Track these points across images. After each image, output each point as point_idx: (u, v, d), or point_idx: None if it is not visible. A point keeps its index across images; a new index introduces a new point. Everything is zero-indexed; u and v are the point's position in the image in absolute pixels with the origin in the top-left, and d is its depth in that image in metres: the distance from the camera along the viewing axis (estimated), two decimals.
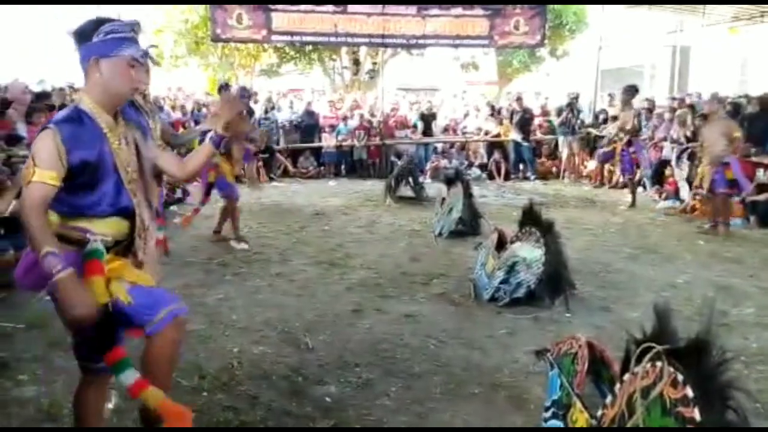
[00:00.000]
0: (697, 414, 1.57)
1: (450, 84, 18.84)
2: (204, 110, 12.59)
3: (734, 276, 5.16)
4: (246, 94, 4.57)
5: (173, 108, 12.03)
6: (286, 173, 11.78)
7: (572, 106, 11.63)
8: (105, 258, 2.04)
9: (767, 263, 5.60)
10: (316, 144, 12.20)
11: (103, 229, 2.06)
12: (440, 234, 6.51)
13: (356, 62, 17.15)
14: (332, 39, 12.10)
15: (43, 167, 1.90)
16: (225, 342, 3.67)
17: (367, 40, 12.31)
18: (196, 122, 11.50)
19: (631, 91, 8.57)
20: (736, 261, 5.66)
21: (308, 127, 12.37)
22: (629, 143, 8.44)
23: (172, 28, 16.17)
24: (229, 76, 18.35)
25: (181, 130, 10.78)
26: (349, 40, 12.51)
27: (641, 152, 8.65)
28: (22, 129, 6.61)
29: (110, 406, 2.86)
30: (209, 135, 2.37)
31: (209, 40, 13.39)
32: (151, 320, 2.03)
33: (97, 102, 2.02)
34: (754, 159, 7.69)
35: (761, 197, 7.36)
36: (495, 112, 12.60)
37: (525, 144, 11.84)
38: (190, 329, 3.84)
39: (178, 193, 8.38)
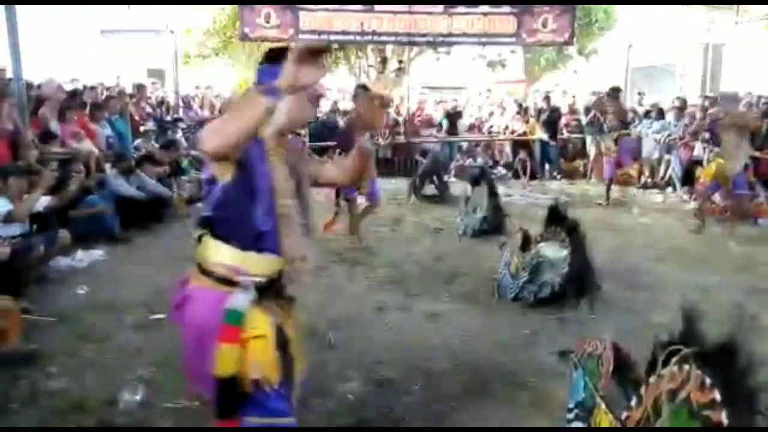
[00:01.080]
0: (724, 418, 1.55)
1: (476, 82, 18.74)
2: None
3: (765, 279, 5.03)
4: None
5: (201, 107, 12.21)
6: None
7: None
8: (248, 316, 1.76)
9: None
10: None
11: (255, 269, 1.80)
12: (464, 233, 6.49)
13: (383, 60, 17.15)
14: (359, 37, 12.13)
15: None
16: None
17: (393, 38, 12.30)
18: None
19: (614, 92, 8.79)
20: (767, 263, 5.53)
21: (334, 125, 12.41)
22: (615, 142, 8.50)
23: (201, 28, 16.38)
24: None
25: None
26: (376, 38, 12.51)
27: (625, 153, 8.68)
28: (55, 126, 6.76)
29: (137, 398, 2.92)
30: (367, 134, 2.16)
31: (237, 39, 13.52)
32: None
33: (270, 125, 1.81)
34: None
35: None
36: (522, 111, 12.50)
37: (552, 143, 11.71)
38: None
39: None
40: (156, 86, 12.73)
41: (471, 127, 12.83)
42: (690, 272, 5.23)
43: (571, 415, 2.41)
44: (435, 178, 9.27)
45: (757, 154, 7.91)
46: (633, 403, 1.97)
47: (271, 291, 1.84)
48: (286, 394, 1.87)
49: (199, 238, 1.85)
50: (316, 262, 1.96)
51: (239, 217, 1.77)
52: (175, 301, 1.88)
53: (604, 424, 2.12)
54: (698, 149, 9.05)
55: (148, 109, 10.16)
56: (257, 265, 1.80)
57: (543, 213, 4.99)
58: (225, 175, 1.73)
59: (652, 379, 1.87)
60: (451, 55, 17.43)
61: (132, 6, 14.61)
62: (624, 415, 2.00)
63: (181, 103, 12.25)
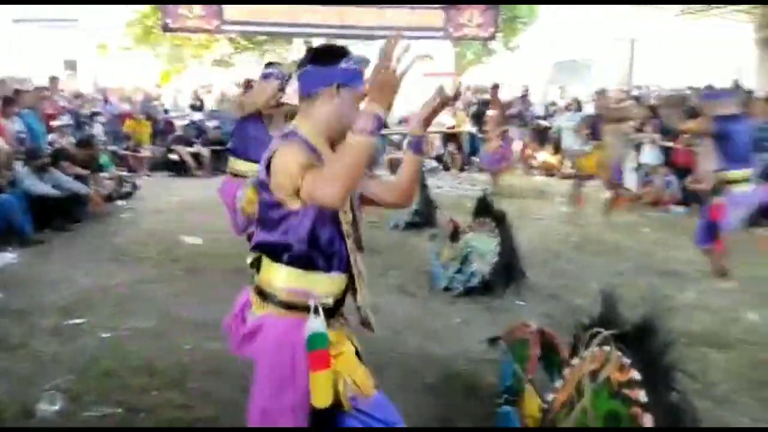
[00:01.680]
0: (642, 395, 1.63)
1: (406, 75, 18.87)
2: (155, 102, 12.27)
3: (677, 263, 5.35)
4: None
5: (121, 100, 11.68)
6: None
7: (524, 97, 11.83)
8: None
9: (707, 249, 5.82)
10: None
11: (325, 290, 1.74)
12: (396, 226, 6.52)
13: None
14: (287, 29, 11.93)
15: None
16: (177, 339, 3.59)
17: (323, 30, 12.19)
18: (147, 115, 11.22)
19: (493, 90, 9.48)
20: (678, 248, 5.87)
21: None
22: (502, 137, 9.02)
23: (121, 18, 15.64)
24: (178, 67, 17.90)
25: (128, 122, 10.53)
26: (305, 30, 12.35)
27: (508, 146, 9.26)
28: None
29: (55, 408, 2.77)
30: (406, 141, 1.98)
31: (159, 30, 12.99)
32: None
33: (317, 132, 1.73)
34: (696, 149, 7.96)
35: (702, 186, 7.64)
36: (450, 104, 12.68)
37: (480, 135, 11.97)
38: (140, 327, 3.76)
39: (127, 187, 8.13)
40: (72, 78, 12.06)
41: (401, 120, 12.91)
42: (607, 258, 5.48)
43: (500, 400, 2.48)
44: (366, 172, 9.25)
45: (669, 144, 8.40)
46: (558, 384, 2.04)
47: (337, 310, 1.81)
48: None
49: (255, 263, 1.78)
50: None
51: (311, 240, 1.70)
52: (242, 332, 1.78)
53: (532, 408, 2.19)
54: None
55: (63, 103, 9.61)
56: (327, 285, 1.75)
57: (472, 204, 5.10)
58: (296, 200, 1.65)
59: (575, 361, 1.95)
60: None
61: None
62: (550, 397, 2.07)
63: (99, 96, 11.67)
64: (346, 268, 1.77)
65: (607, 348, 1.79)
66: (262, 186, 1.71)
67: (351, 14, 11.36)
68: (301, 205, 1.65)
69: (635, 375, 1.67)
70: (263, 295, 1.75)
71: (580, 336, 1.94)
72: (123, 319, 3.90)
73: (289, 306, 1.71)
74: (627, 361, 1.72)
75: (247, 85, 8.91)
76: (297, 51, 17.56)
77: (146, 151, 10.35)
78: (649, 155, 8.72)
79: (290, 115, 3.86)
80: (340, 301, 1.81)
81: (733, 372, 3.16)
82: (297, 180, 1.60)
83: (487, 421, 2.59)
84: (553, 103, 12.71)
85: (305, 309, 1.69)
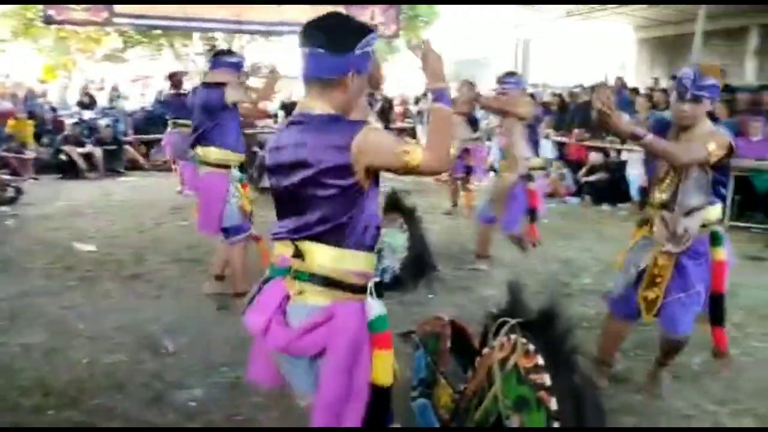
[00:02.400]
0: (547, 379, 1.70)
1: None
2: (39, 100, 11.40)
3: (573, 250, 5.69)
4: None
5: (2, 96, 10.74)
6: (136, 166, 10.99)
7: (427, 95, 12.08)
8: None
9: (600, 237, 6.24)
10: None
11: (372, 269, 1.75)
12: None
13: (212, 48, 16.41)
14: (183, 23, 11.47)
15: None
16: (72, 353, 3.36)
17: (221, 25, 11.82)
18: (31, 113, 10.39)
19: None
20: (574, 236, 6.24)
21: (161, 116, 11.65)
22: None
23: None
24: (65, 61, 16.73)
25: (9, 121, 9.69)
26: (202, 25, 11.92)
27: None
28: None
29: None
30: (429, 96, 1.86)
31: (41, 22, 12.06)
32: None
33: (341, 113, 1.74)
34: (587, 143, 8.50)
35: (593, 177, 8.18)
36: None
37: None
38: (30, 343, 3.48)
39: (10, 192, 7.50)
40: None
41: None
42: (510, 247, 5.71)
43: (415, 393, 2.52)
44: None
45: (563, 140, 8.89)
46: (469, 374, 2.10)
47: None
48: None
49: (298, 251, 1.69)
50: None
51: (370, 219, 1.72)
52: (302, 326, 1.65)
53: (445, 399, 2.24)
54: None
55: None
56: (373, 265, 1.77)
57: (381, 200, 5.13)
58: (368, 181, 1.66)
59: (484, 351, 2.01)
60: (283, 44, 17.19)
61: None
62: (462, 387, 2.13)
63: None
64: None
65: (514, 336, 1.86)
66: (333, 172, 1.61)
67: (249, 9, 11.10)
68: (368, 185, 1.67)
69: (540, 360, 1.75)
70: (326, 282, 1.68)
71: (488, 326, 2.01)
72: (11, 335, 3.60)
73: (355, 289, 1.70)
74: (532, 347, 1.79)
75: (173, 78, 8.48)
76: (199, 46, 16.96)
77: (31, 153, 9.59)
78: (544, 149, 9.18)
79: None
80: None
81: (627, 352, 3.38)
82: (400, 156, 1.60)
83: (403, 414, 2.62)
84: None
85: (364, 290, 1.70)
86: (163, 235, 6.14)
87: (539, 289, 4.28)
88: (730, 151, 2.61)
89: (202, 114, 3.84)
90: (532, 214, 4.72)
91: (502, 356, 1.88)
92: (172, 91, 8.31)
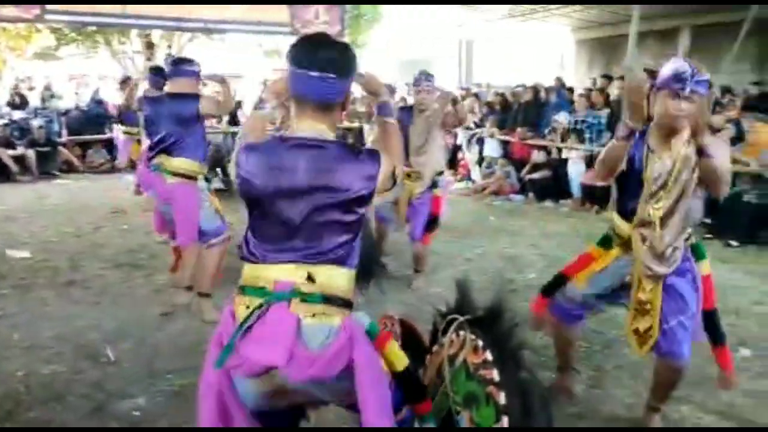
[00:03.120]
0: (496, 374, 1.74)
1: (255, 71, 18.44)
2: None
3: (518, 246, 5.82)
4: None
5: None
6: (72, 168, 10.55)
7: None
8: None
9: (544, 233, 6.40)
10: (106, 135, 11.10)
11: None
12: None
13: (149, 46, 15.91)
14: (120, 20, 11.05)
15: None
16: (7, 365, 3.19)
17: (160, 23, 11.46)
18: None
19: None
20: (519, 233, 6.39)
21: (97, 116, 11.24)
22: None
23: None
24: None
25: None
26: (140, 22, 11.52)
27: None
28: None
29: None
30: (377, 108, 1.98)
31: None
32: None
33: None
34: (530, 141, 8.71)
35: (536, 175, 8.39)
36: None
37: None
38: None
39: None
40: None
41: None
42: (459, 245, 5.81)
43: None
44: (219, 170, 8.92)
45: (507, 138, 9.07)
46: (420, 372, 2.12)
47: None
48: None
49: (311, 274, 1.67)
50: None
51: (359, 239, 1.80)
52: (330, 352, 1.63)
53: None
54: (460, 135, 10.03)
55: None
56: None
57: None
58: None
59: (434, 348, 2.03)
60: (226, 42, 16.88)
61: None
62: None
63: None
64: None
65: (462, 333, 1.88)
66: (360, 201, 1.68)
67: (190, 7, 10.80)
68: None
69: (488, 356, 1.78)
70: (341, 302, 1.69)
71: (438, 324, 2.03)
72: None
73: (350, 305, 1.74)
74: (481, 343, 1.82)
75: (126, 83, 8.15)
76: (137, 44, 16.41)
77: None
78: (490, 148, 9.37)
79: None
80: None
81: None
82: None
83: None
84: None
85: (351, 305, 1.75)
86: (101, 240, 5.92)
87: (486, 285, 4.36)
88: None
89: (173, 125, 3.76)
90: (432, 221, 4.57)
91: (452, 353, 1.90)
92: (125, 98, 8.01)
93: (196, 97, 3.76)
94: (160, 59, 15.94)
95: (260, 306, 1.64)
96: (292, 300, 1.64)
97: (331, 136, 1.72)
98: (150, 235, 5.91)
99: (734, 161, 4.89)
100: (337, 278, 1.69)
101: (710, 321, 2.51)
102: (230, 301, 1.73)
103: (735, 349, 3.32)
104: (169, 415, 2.74)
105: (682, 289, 2.40)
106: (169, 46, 15.40)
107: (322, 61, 1.66)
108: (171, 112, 3.75)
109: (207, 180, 4.04)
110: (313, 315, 1.64)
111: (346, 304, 1.71)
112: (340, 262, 1.69)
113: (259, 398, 1.72)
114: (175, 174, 3.80)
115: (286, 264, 1.67)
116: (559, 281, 2.74)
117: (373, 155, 1.71)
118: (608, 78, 9.41)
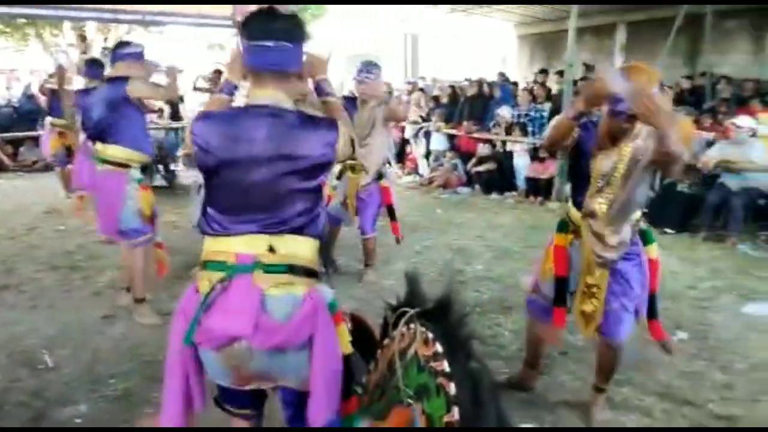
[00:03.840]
0: (446, 366, 1.75)
1: (197, 65, 17.99)
2: None
3: (466, 238, 5.90)
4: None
5: None
6: (2, 167, 10.03)
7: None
8: None
9: (490, 225, 6.52)
10: (39, 132, 10.59)
11: None
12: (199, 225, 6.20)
13: (83, 39, 15.27)
14: (52, 12, 10.54)
15: None
16: None
17: (95, 14, 11.00)
18: None
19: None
20: (466, 225, 6.48)
21: (29, 112, 10.71)
22: None
23: None
24: None
25: None
26: (74, 14, 11.03)
27: None
28: None
29: None
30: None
31: None
32: None
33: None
34: (475, 135, 8.83)
35: (482, 168, 8.52)
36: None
37: None
38: None
39: None
40: None
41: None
42: (408, 238, 5.82)
43: None
44: (161, 167, 8.67)
45: (453, 132, 9.17)
46: (371, 366, 2.11)
47: None
48: None
49: (272, 244, 1.66)
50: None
51: (322, 207, 1.79)
52: (295, 319, 1.65)
53: None
54: (407, 129, 10.07)
55: None
56: None
57: None
58: None
59: (385, 342, 2.03)
60: (164, 35, 16.39)
61: None
62: (364, 379, 2.14)
63: None
64: None
65: (413, 326, 1.89)
66: (321, 168, 1.69)
67: None
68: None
69: (438, 348, 1.79)
70: (305, 272, 1.69)
71: (388, 317, 2.03)
72: None
73: (316, 276, 1.74)
74: (431, 335, 1.83)
75: (59, 71, 7.72)
76: (70, 37, 15.72)
77: None
78: (437, 142, 9.45)
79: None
80: None
81: (519, 332, 3.54)
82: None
83: None
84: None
85: (317, 276, 1.75)
86: (36, 242, 5.66)
87: (436, 277, 4.40)
88: None
89: (104, 110, 3.54)
90: (389, 211, 4.57)
91: (403, 346, 1.90)
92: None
93: (126, 79, 3.53)
94: (96, 53, 15.34)
95: (222, 280, 1.63)
96: (254, 272, 1.63)
97: (289, 105, 1.72)
98: (88, 235, 5.69)
99: None
100: (300, 247, 1.69)
101: (652, 301, 2.61)
102: (180, 299, 1.74)
103: (672, 333, 3.47)
104: (112, 420, 2.65)
105: (628, 272, 2.49)
106: (105, 39, 14.83)
107: (277, 31, 1.67)
108: (101, 97, 3.57)
109: (143, 171, 3.84)
110: (277, 285, 1.64)
111: (310, 273, 1.71)
112: (302, 230, 1.69)
113: (222, 373, 1.72)
114: (106, 162, 3.60)
115: (246, 235, 1.66)
116: (561, 285, 2.67)
117: (331, 123, 1.73)
118: (545, 72, 9.75)
